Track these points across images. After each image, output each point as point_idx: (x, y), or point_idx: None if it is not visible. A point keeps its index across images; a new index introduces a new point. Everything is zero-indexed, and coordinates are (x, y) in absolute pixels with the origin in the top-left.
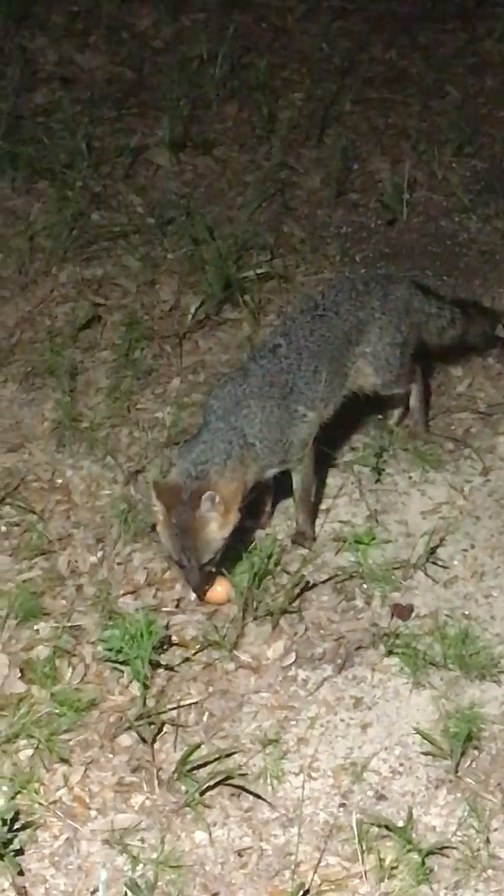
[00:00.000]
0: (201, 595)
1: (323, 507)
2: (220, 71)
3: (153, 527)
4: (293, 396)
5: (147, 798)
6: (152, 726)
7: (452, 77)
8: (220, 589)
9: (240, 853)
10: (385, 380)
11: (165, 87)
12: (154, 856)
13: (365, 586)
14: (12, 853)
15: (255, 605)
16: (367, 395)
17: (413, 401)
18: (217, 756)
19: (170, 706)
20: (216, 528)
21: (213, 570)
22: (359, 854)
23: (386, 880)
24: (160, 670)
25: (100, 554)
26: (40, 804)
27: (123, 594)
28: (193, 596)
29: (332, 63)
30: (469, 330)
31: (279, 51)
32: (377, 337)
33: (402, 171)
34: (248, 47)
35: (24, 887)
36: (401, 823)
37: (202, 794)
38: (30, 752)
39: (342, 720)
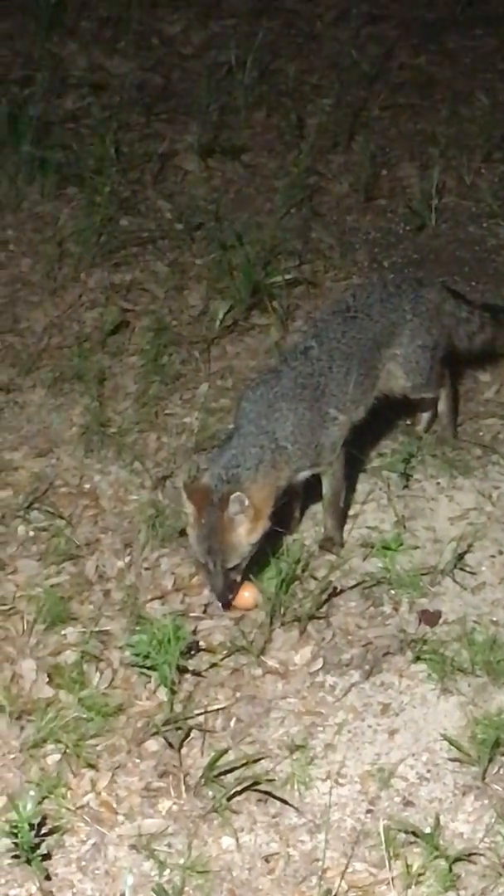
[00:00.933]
0: (226, 603)
1: (351, 512)
2: (248, 77)
3: (181, 532)
4: (325, 399)
5: (174, 803)
6: (179, 731)
7: (481, 83)
8: (247, 594)
9: (267, 859)
10: (415, 383)
11: (194, 92)
12: (181, 861)
13: (392, 592)
14: (39, 858)
15: (282, 611)
16: (397, 399)
17: (441, 406)
18: (244, 762)
19: (197, 711)
20: (244, 533)
21: (238, 578)
22: (386, 860)
23: (413, 886)
24: (187, 675)
25: (127, 559)
26: (67, 809)
27: (151, 599)
28: (220, 604)
29: (361, 69)
30: (499, 335)
31: (308, 57)
32: (408, 339)
33: (431, 176)
34: (277, 53)
35: (52, 892)
36: (428, 830)
37: (229, 799)
38: (57, 756)
39: (369, 726)
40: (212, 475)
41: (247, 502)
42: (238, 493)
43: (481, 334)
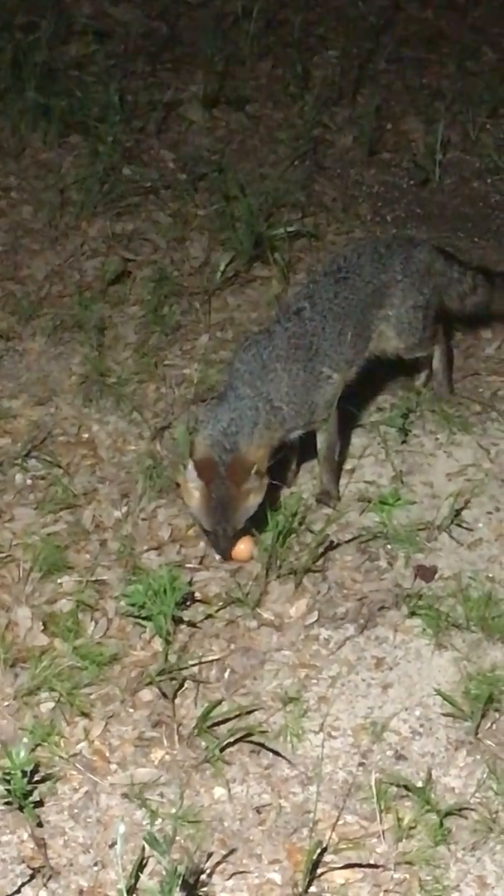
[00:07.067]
0: (228, 556)
1: (348, 466)
2: (254, 27)
3: (178, 484)
4: (318, 358)
5: (167, 753)
6: (174, 682)
7: (488, 38)
8: (243, 547)
9: (258, 810)
10: (408, 343)
11: (200, 42)
12: (173, 811)
13: (389, 547)
14: (32, 805)
15: (278, 564)
16: (390, 360)
17: (436, 363)
18: (238, 713)
19: (191, 662)
20: (253, 497)
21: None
22: (377, 813)
23: (404, 840)
24: (182, 626)
25: (124, 509)
26: (60, 757)
27: (147, 550)
28: (219, 557)
29: (368, 21)
30: (494, 298)
31: (315, 8)
32: (400, 300)
33: (436, 131)
34: (283, 3)
35: (43, 839)
36: (420, 784)
37: (222, 750)
38: (51, 704)
39: (363, 680)
40: (212, 444)
41: (255, 472)
42: (256, 466)
43: (473, 296)
